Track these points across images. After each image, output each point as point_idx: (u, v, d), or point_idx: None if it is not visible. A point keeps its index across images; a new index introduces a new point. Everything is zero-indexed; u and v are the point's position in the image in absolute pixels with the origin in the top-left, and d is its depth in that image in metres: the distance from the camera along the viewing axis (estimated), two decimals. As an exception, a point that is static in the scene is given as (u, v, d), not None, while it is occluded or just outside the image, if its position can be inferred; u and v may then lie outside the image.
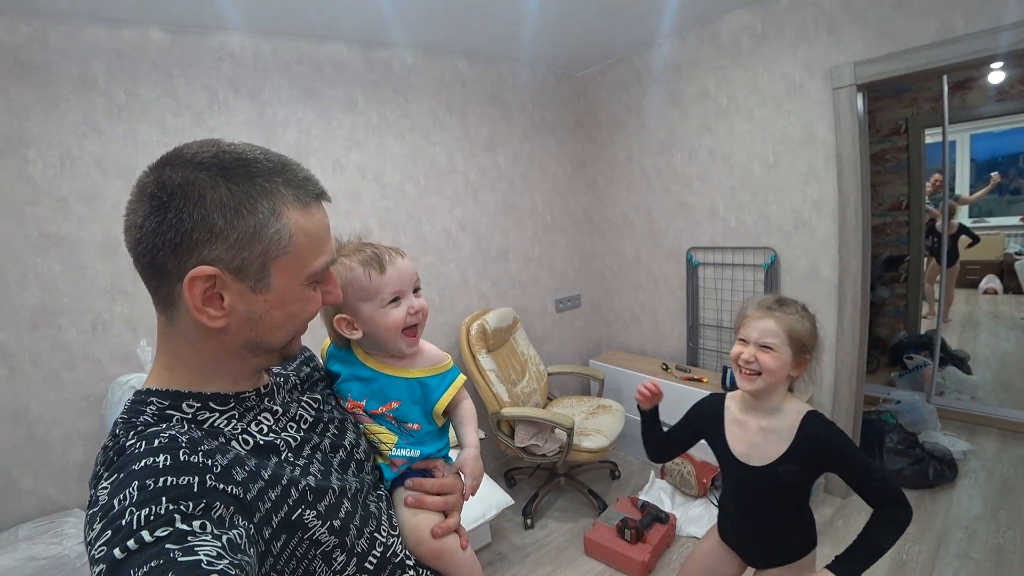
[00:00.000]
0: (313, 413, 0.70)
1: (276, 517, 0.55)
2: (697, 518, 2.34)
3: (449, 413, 0.84)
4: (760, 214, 2.47)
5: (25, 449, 1.78)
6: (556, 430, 2.41)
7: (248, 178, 0.53)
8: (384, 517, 0.71)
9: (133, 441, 0.51)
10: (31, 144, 1.74)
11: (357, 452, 0.73)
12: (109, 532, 0.43)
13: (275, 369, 0.73)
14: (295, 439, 0.64)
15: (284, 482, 0.57)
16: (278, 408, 0.65)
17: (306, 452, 0.64)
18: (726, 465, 1.27)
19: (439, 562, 0.75)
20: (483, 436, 2.48)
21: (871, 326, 3.86)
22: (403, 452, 0.77)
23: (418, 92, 2.59)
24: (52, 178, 1.78)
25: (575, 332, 3.38)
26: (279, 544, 0.55)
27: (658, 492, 2.54)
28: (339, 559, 0.61)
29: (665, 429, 1.43)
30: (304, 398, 0.72)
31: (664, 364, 2.88)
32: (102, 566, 0.41)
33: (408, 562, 0.71)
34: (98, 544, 0.43)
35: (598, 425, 2.54)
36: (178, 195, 0.50)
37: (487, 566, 2.25)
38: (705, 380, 2.62)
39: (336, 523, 0.60)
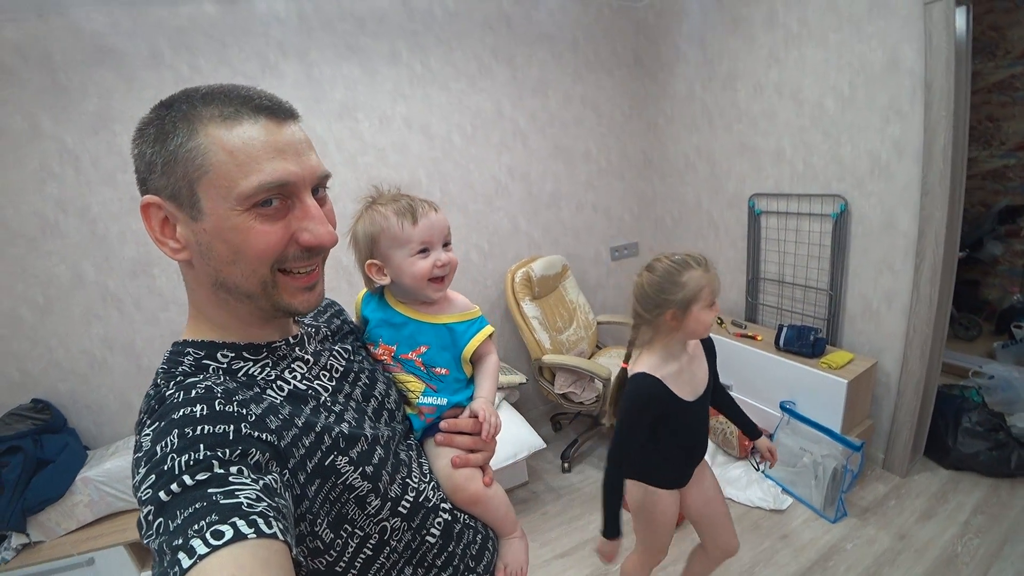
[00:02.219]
0: (344, 363, 0.73)
1: (310, 463, 0.57)
2: (735, 479, 2.30)
3: (475, 363, 0.87)
4: (831, 157, 2.19)
5: (135, 375, 2.20)
6: (594, 379, 2.45)
7: (175, 104, 0.53)
8: (415, 465, 0.73)
9: (172, 391, 0.53)
10: (117, 120, 2.01)
11: (388, 402, 0.75)
12: (153, 476, 0.46)
13: (307, 320, 0.77)
14: (327, 387, 0.66)
15: (318, 429, 0.59)
16: (309, 357, 0.67)
17: (340, 400, 0.67)
18: (679, 414, 1.28)
19: (476, 508, 0.79)
20: (525, 381, 2.61)
21: (977, 287, 3.34)
22: (430, 400, 0.80)
23: (462, 38, 2.55)
24: (134, 148, 2.07)
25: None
26: (313, 488, 0.57)
27: (698, 447, 2.51)
28: (373, 503, 0.63)
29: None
30: (336, 348, 0.74)
31: (719, 318, 2.75)
32: (150, 507, 0.44)
33: (444, 505, 0.74)
34: (144, 487, 0.46)
35: (640, 377, 2.53)
36: (136, 136, 0.55)
37: (521, 503, 2.42)
38: (759, 338, 2.48)
39: (369, 469, 0.62)
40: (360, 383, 0.72)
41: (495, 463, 2.16)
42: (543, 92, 2.78)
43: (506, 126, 2.74)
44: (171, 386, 0.55)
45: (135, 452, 0.51)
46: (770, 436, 2.31)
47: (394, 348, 0.80)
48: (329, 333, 0.77)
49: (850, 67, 2.04)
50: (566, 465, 2.61)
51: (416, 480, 0.70)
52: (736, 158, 2.60)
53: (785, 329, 2.32)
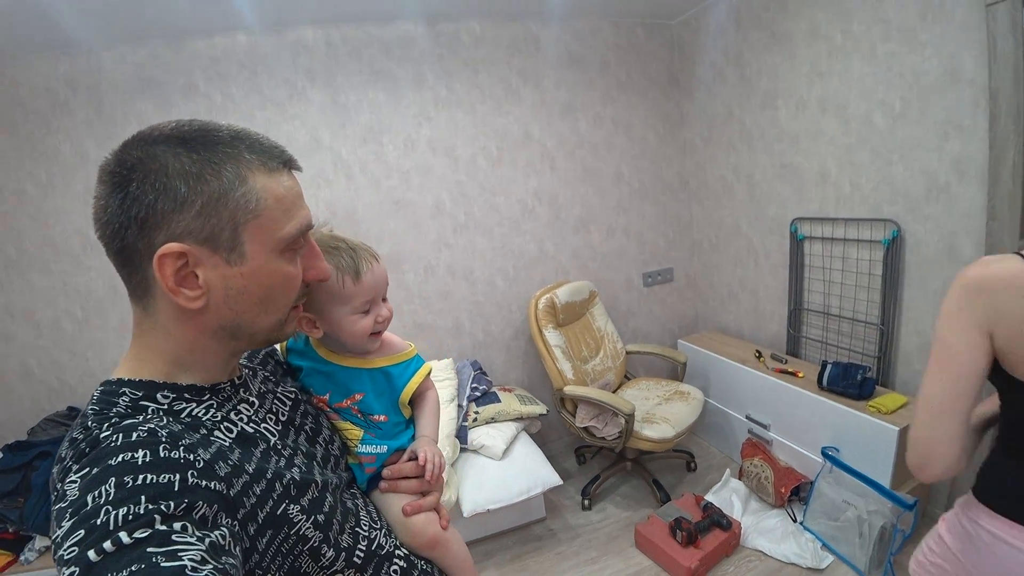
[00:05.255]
0: (289, 405, 0.70)
1: (261, 512, 0.53)
2: (769, 531, 2.07)
3: (414, 403, 0.84)
4: (881, 178, 1.98)
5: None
6: (617, 414, 2.30)
7: (209, 145, 0.52)
8: (363, 513, 0.70)
9: (108, 433, 0.48)
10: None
11: (333, 448, 0.72)
12: (82, 531, 0.40)
13: (243, 361, 0.72)
14: (274, 431, 0.63)
15: (269, 476, 0.56)
16: (254, 400, 0.64)
17: (289, 443, 0.63)
18: None
19: (436, 552, 0.76)
20: (546, 412, 2.50)
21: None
22: (369, 448, 0.77)
23: (488, 62, 2.55)
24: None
25: (666, 308, 3.13)
26: (264, 540, 0.53)
27: (730, 494, 2.29)
28: (327, 555, 0.59)
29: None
30: (278, 391, 0.71)
31: (758, 351, 2.54)
32: (74, 568, 0.38)
33: (399, 552, 0.71)
34: (68, 544, 0.40)
35: (668, 413, 2.36)
36: (138, 168, 0.49)
37: (535, 540, 2.29)
38: (800, 375, 2.25)
39: (320, 517, 0.59)
40: (305, 428, 0.69)
41: (507, 499, 2.08)
42: (572, 114, 2.72)
43: (533, 148, 2.70)
44: (106, 428, 0.49)
45: (56, 502, 0.45)
46: (810, 484, 2.08)
47: (327, 397, 0.76)
48: (267, 375, 0.73)
49: (901, 79, 1.85)
50: (586, 502, 2.46)
51: (366, 528, 0.67)
52: (777, 180, 2.42)
53: (829, 366, 2.10)
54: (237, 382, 0.63)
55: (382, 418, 0.77)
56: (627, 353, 2.81)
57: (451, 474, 2.17)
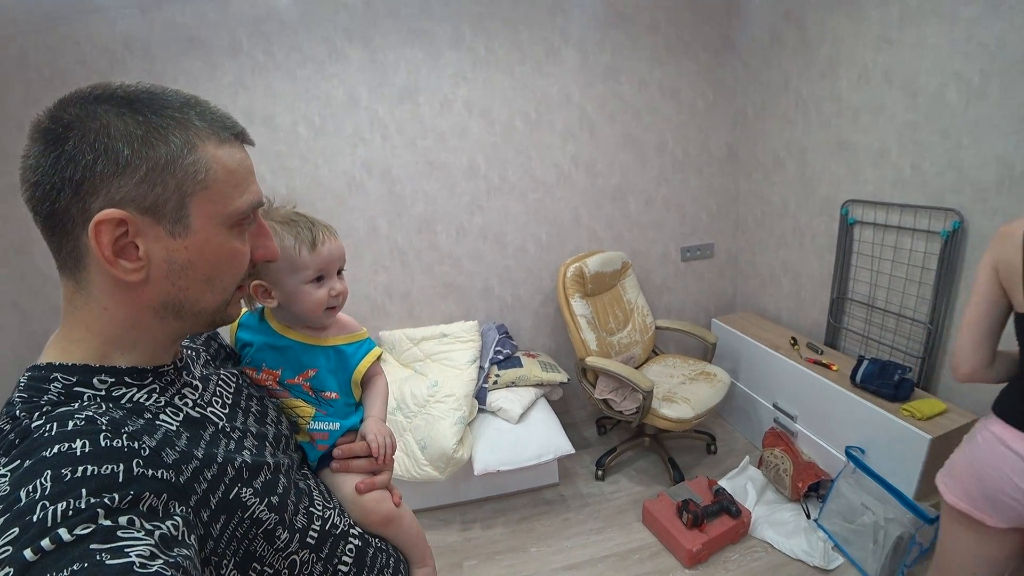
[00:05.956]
0: (233, 388, 0.68)
1: (214, 498, 0.51)
2: (781, 524, 2.03)
3: (364, 385, 0.85)
4: (947, 162, 1.78)
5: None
6: (636, 390, 2.29)
7: (156, 109, 0.48)
8: (316, 493, 0.69)
9: (40, 422, 0.44)
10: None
11: (282, 428, 0.71)
12: (16, 529, 0.37)
13: (185, 342, 0.68)
14: (221, 415, 0.60)
15: (220, 460, 0.54)
16: (198, 383, 0.61)
17: (238, 426, 0.62)
18: None
19: (389, 529, 0.78)
20: (567, 380, 2.52)
21: None
22: (322, 425, 0.77)
23: (530, 20, 2.45)
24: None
25: (703, 285, 3.01)
26: (219, 526, 0.51)
27: (745, 481, 2.26)
28: (282, 536, 0.58)
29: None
30: (222, 373, 0.69)
31: (793, 339, 2.42)
32: (8, 569, 0.35)
33: (353, 531, 0.71)
34: (1, 543, 0.36)
35: (689, 393, 2.32)
36: (76, 126, 0.45)
37: (545, 504, 2.36)
38: (835, 368, 2.14)
39: (274, 499, 0.58)
40: (252, 410, 0.68)
41: (518, 462, 2.15)
42: (615, 77, 2.59)
43: (572, 113, 2.61)
44: (37, 417, 0.45)
45: None
46: (830, 482, 2.01)
47: (279, 372, 0.77)
48: (209, 357, 0.72)
49: (984, 50, 1.63)
50: (600, 472, 2.49)
51: (320, 507, 0.67)
52: (831, 157, 2.22)
53: (866, 362, 1.97)
54: (179, 365, 0.60)
55: (333, 395, 0.79)
56: (656, 328, 2.76)
57: (466, 433, 2.25)
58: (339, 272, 0.79)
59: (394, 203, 2.55)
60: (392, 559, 0.77)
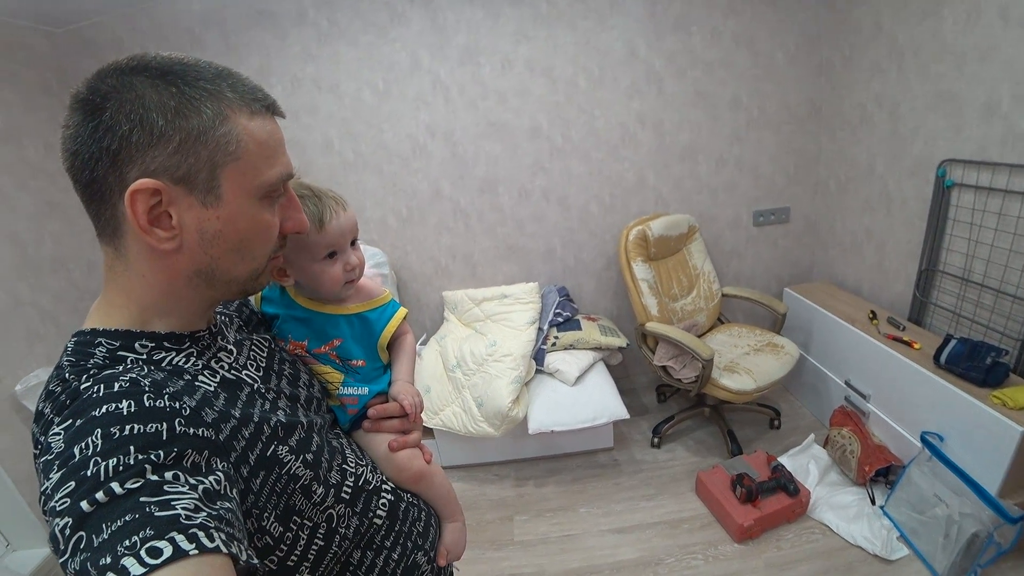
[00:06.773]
0: (266, 352, 0.70)
1: (252, 454, 0.54)
2: (842, 507, 1.94)
3: (390, 347, 0.86)
4: (1072, 115, 1.55)
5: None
6: (695, 358, 2.24)
7: (190, 80, 0.50)
8: (348, 451, 0.72)
9: (89, 384, 0.47)
10: (273, 74, 2.34)
11: (314, 391, 0.73)
12: (72, 483, 0.40)
13: (217, 309, 0.70)
14: (255, 377, 0.63)
15: (256, 419, 0.56)
16: (232, 347, 0.64)
17: (272, 387, 0.64)
18: None
19: (420, 485, 0.81)
20: (626, 345, 2.51)
21: None
22: (351, 391, 0.79)
23: (594, -31, 2.33)
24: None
25: (776, 252, 2.84)
26: (258, 481, 0.54)
27: (808, 460, 2.16)
28: (318, 492, 0.61)
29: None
30: (255, 337, 0.71)
31: (872, 312, 2.24)
32: (67, 519, 0.38)
33: (385, 486, 0.74)
34: (60, 495, 0.40)
35: (752, 365, 2.24)
36: (113, 97, 0.47)
37: (598, 467, 2.40)
38: (917, 347, 1.96)
39: (309, 456, 0.61)
40: (285, 373, 0.70)
41: (572, 423, 2.19)
42: (685, 29, 2.43)
43: (638, 68, 2.49)
44: (85, 379, 0.48)
45: (41, 455, 0.45)
46: (901, 468, 1.89)
47: (305, 343, 0.78)
48: (241, 323, 0.74)
49: None
50: (656, 440, 2.49)
51: (352, 465, 0.70)
52: (929, 111, 1.98)
53: (954, 341, 1.80)
54: (214, 330, 0.63)
55: (360, 363, 0.80)
56: (723, 296, 2.65)
57: (523, 393, 2.31)
58: (353, 243, 0.78)
59: (457, 165, 2.59)
60: (424, 513, 0.81)
